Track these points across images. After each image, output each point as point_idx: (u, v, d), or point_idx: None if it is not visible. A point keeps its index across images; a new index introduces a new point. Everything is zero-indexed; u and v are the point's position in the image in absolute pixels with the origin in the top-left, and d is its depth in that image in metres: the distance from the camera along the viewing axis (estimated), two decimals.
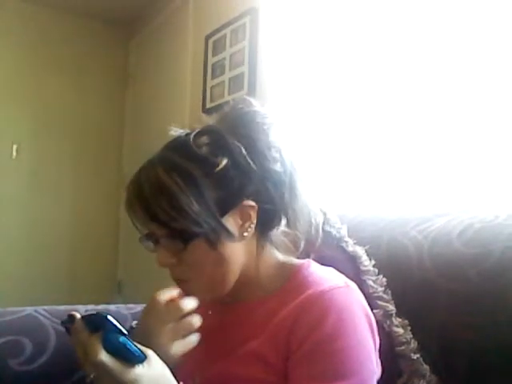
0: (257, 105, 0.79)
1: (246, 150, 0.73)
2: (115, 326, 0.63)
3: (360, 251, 1.01)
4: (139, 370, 0.62)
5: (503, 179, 1.40)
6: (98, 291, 3.25)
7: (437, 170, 1.61)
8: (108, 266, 3.62)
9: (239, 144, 0.73)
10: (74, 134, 3.54)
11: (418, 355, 0.87)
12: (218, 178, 0.71)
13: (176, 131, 0.80)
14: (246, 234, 0.74)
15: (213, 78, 2.60)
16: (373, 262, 0.99)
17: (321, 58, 2.09)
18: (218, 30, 2.57)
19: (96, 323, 0.64)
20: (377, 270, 0.97)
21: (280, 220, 0.79)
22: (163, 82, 3.21)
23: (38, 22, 3.40)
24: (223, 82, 2.50)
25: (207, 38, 2.67)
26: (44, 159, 3.45)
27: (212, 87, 2.60)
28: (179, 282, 0.76)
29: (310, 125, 2.08)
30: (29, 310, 1.11)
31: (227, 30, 2.50)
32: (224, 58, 2.52)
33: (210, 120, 0.81)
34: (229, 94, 2.44)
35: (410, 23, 1.74)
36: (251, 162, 0.73)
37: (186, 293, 0.75)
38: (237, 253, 0.75)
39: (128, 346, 0.62)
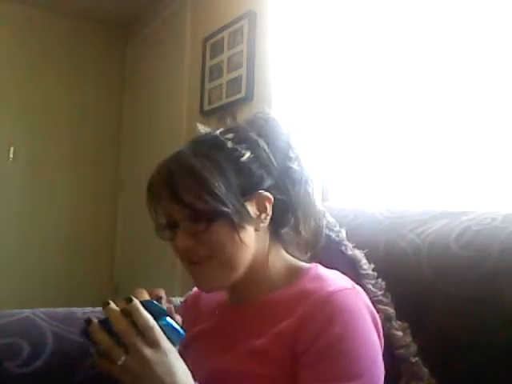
0: (276, 115, 0.86)
1: (268, 147, 0.80)
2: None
3: (359, 255, 1.01)
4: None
5: (500, 182, 1.41)
6: (95, 293, 3.24)
7: (434, 173, 1.62)
8: (105, 269, 3.62)
9: (262, 140, 0.80)
10: (71, 137, 3.54)
11: (418, 358, 0.87)
12: (241, 168, 0.77)
13: (203, 129, 0.86)
14: (261, 224, 0.78)
15: (211, 80, 2.61)
16: (372, 266, 0.99)
17: (318, 60, 2.09)
18: (215, 33, 2.58)
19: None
20: (376, 274, 0.97)
21: (291, 218, 0.82)
22: (161, 85, 3.21)
23: (34, 25, 3.40)
24: (221, 84, 2.50)
25: (205, 40, 2.67)
26: (41, 162, 3.45)
27: (210, 90, 2.61)
28: (194, 264, 0.78)
29: (307, 126, 2.08)
30: (26, 312, 1.11)
31: (225, 33, 2.50)
32: (222, 61, 2.52)
33: (211, 123, 0.85)
34: (226, 97, 2.45)
35: (406, 24, 1.74)
36: (272, 158, 0.79)
37: (198, 275, 0.78)
38: (253, 241, 0.78)
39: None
